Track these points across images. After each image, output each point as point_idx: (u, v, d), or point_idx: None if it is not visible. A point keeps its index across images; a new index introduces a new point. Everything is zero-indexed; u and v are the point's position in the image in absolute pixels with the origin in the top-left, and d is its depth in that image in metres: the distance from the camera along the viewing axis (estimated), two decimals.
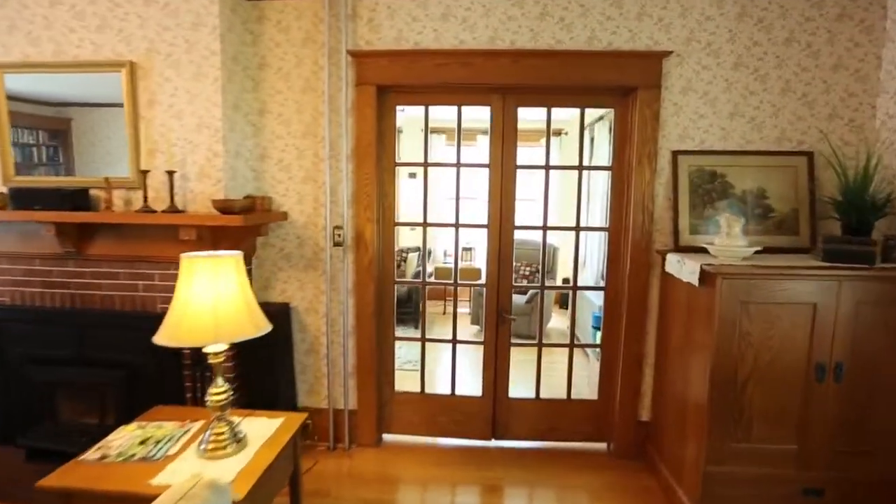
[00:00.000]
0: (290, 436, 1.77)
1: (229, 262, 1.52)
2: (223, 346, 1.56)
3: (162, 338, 1.46)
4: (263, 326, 1.57)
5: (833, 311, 1.97)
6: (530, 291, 5.18)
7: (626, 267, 2.63)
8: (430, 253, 6.41)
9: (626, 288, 2.63)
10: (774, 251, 2.35)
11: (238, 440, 1.65)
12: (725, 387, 2.04)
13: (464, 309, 6.31)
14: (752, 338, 2.01)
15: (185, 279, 1.48)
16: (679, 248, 2.45)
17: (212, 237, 2.41)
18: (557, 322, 5.91)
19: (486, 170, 2.70)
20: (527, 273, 5.50)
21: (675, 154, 2.50)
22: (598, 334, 4.21)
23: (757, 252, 2.15)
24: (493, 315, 2.79)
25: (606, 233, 2.72)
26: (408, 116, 6.28)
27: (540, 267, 5.72)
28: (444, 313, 6.39)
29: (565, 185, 6.39)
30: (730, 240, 2.15)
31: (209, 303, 1.46)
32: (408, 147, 6.66)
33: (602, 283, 5.44)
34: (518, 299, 5.05)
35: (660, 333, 2.62)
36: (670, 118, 2.51)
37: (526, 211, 6.59)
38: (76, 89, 2.47)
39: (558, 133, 6.52)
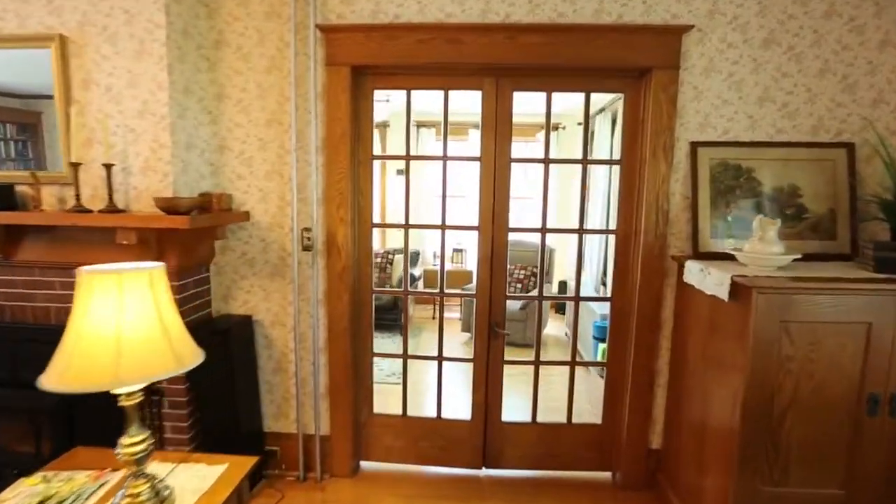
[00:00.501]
0: (231, 489, 1.43)
1: (141, 279, 1.18)
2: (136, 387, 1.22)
3: (49, 381, 1.11)
4: (190, 359, 1.23)
5: (891, 333, 1.65)
6: (526, 300, 4.86)
7: (637, 275, 2.30)
8: (418, 255, 6.06)
9: (637, 299, 2.30)
10: (811, 259, 2.03)
11: (162, 500, 1.31)
12: (759, 419, 1.72)
13: (454, 314, 5.99)
14: (793, 362, 1.69)
15: (81, 303, 1.14)
16: (699, 255, 2.13)
17: (158, 242, 2.07)
18: (554, 328, 5.59)
19: (477, 164, 2.36)
20: (521, 277, 5.17)
21: (695, 146, 2.17)
22: (601, 346, 3.89)
23: (795, 260, 1.83)
24: (485, 329, 2.46)
25: (613, 236, 2.38)
26: (394, 110, 5.94)
27: (538, 272, 5.37)
28: (434, 318, 6.06)
29: (562, 182, 6.07)
30: (763, 245, 1.82)
31: (110, 333, 1.12)
32: (395, 143, 6.30)
33: (602, 289, 5.14)
34: (511, 304, 4.72)
35: (675, 351, 2.30)
36: (689, 104, 2.18)
37: (520, 210, 6.25)
38: (40, 78, 2.11)
39: (556, 127, 6.18)
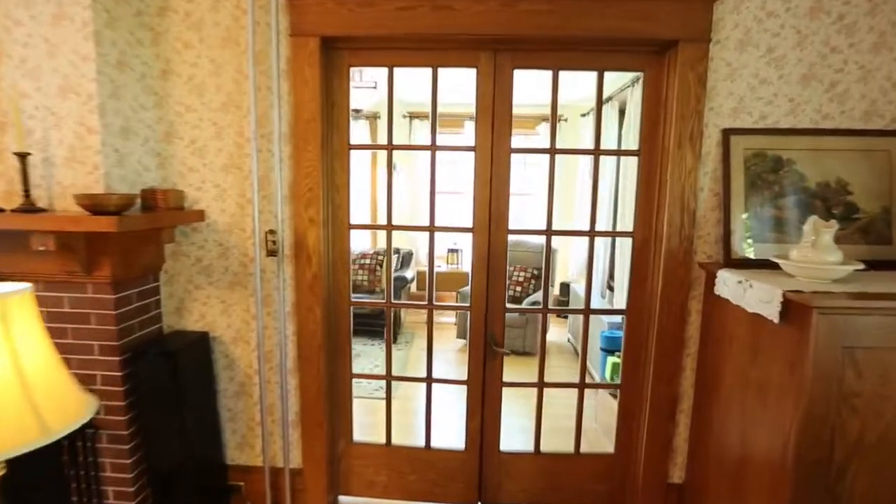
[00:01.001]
0: None
1: None
2: None
3: None
4: (64, 422, 0.88)
5: None
6: (526, 303, 4.53)
7: (657, 285, 1.97)
8: (411, 256, 5.71)
9: (657, 313, 1.98)
10: (868, 267, 1.71)
11: None
12: (815, 464, 1.40)
13: (448, 318, 5.65)
14: (859, 398, 1.37)
15: None
16: (731, 262, 1.80)
17: (87, 247, 1.71)
18: (556, 333, 5.26)
19: (472, 155, 2.02)
20: (521, 279, 4.84)
21: (727, 133, 1.84)
22: (610, 360, 3.58)
23: (855, 271, 1.51)
24: (480, 347, 2.12)
25: (630, 240, 2.05)
26: (385, 99, 5.54)
27: (540, 276, 4.98)
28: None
29: (564, 179, 5.74)
30: (817, 253, 1.50)
31: None
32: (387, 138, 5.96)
33: (609, 294, 4.81)
34: (511, 309, 4.38)
35: (701, 374, 1.97)
36: (721, 84, 1.84)
37: (519, 208, 5.87)
38: None
39: (557, 119, 5.83)
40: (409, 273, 5.46)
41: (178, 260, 2.08)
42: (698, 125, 1.85)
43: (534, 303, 4.55)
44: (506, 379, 2.15)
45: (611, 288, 4.62)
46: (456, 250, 6.15)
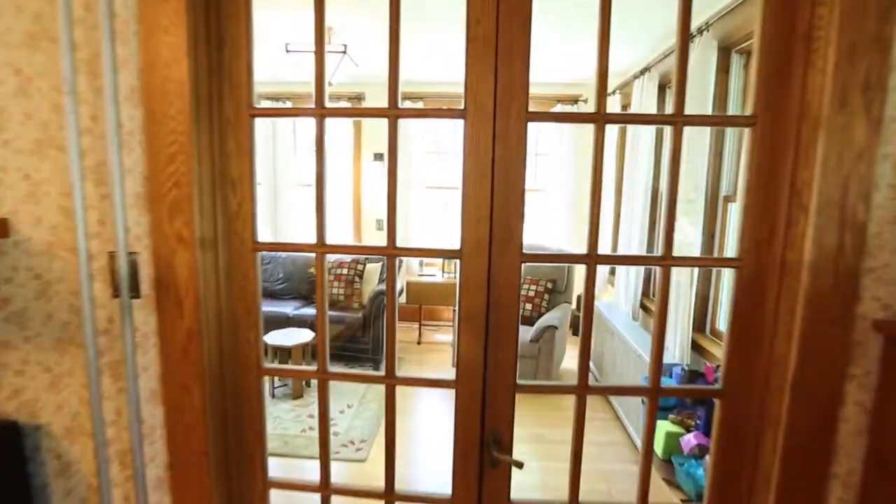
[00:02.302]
0: None
1: None
2: None
3: None
4: None
5: None
6: (538, 326, 3.67)
7: (784, 352, 1.12)
8: (400, 262, 4.87)
9: (785, 403, 1.12)
10: None
11: None
12: None
13: (445, 336, 4.82)
14: None
15: None
16: None
17: None
18: (571, 357, 4.41)
19: (461, 127, 1.17)
20: (532, 294, 3.98)
21: None
22: (664, 429, 2.71)
23: None
24: (473, 454, 1.28)
25: (734, 271, 1.19)
26: (374, 77, 4.65)
27: (554, 290, 4.07)
28: (419, 342, 4.87)
29: (578, 175, 4.86)
30: None
31: None
32: (376, 125, 5.09)
33: (641, 313, 3.90)
34: (521, 333, 3.54)
35: None
36: None
37: (528, 210, 4.93)
38: None
39: (574, 100, 4.96)
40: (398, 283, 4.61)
41: None
42: (880, 66, 0.99)
43: (547, 327, 3.69)
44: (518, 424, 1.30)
45: (645, 308, 3.75)
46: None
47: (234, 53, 1.19)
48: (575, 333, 5.00)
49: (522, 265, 1.21)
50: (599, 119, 1.15)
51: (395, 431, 1.33)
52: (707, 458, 2.18)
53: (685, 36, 1.14)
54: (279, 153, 5.34)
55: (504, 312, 1.22)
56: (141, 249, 1.20)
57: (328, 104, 1.22)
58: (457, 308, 1.24)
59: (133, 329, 1.22)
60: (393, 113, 1.17)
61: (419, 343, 4.82)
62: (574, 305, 4.89)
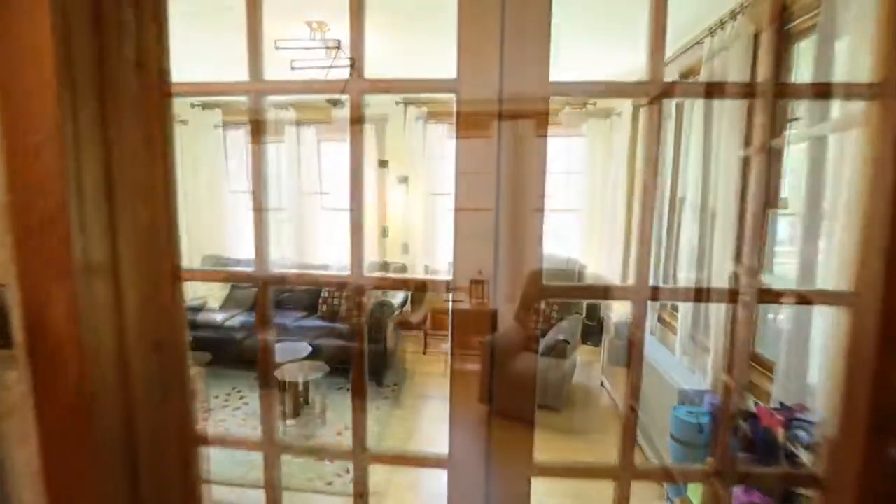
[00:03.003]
0: None
1: None
2: None
3: None
4: None
5: None
6: (550, 339, 3.33)
7: None
8: (404, 272, 4.52)
9: None
10: None
11: None
12: None
13: (471, 364, 4.45)
14: None
15: None
16: None
17: None
18: (582, 370, 4.06)
19: (454, 120, 0.83)
20: (542, 306, 3.64)
21: None
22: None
23: None
24: None
25: (839, 313, 0.84)
26: (395, 97, 4.28)
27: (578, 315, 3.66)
28: (425, 353, 4.52)
29: (592, 186, 4.47)
30: None
31: None
32: (397, 145, 4.68)
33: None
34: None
35: None
36: None
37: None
38: None
39: (606, 114, 4.55)
40: (397, 296, 4.26)
41: None
42: None
43: (559, 341, 3.34)
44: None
45: (661, 321, 3.39)
46: (480, 281, 4.87)
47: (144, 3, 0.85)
48: (584, 343, 4.65)
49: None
50: (655, 93, 0.79)
51: None
52: None
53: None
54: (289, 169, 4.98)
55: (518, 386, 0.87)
56: (9, 280, 0.86)
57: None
58: (450, 368, 0.89)
59: (5, 389, 0.88)
60: (356, 86, 0.83)
61: (425, 353, 4.47)
62: (584, 315, 4.54)
